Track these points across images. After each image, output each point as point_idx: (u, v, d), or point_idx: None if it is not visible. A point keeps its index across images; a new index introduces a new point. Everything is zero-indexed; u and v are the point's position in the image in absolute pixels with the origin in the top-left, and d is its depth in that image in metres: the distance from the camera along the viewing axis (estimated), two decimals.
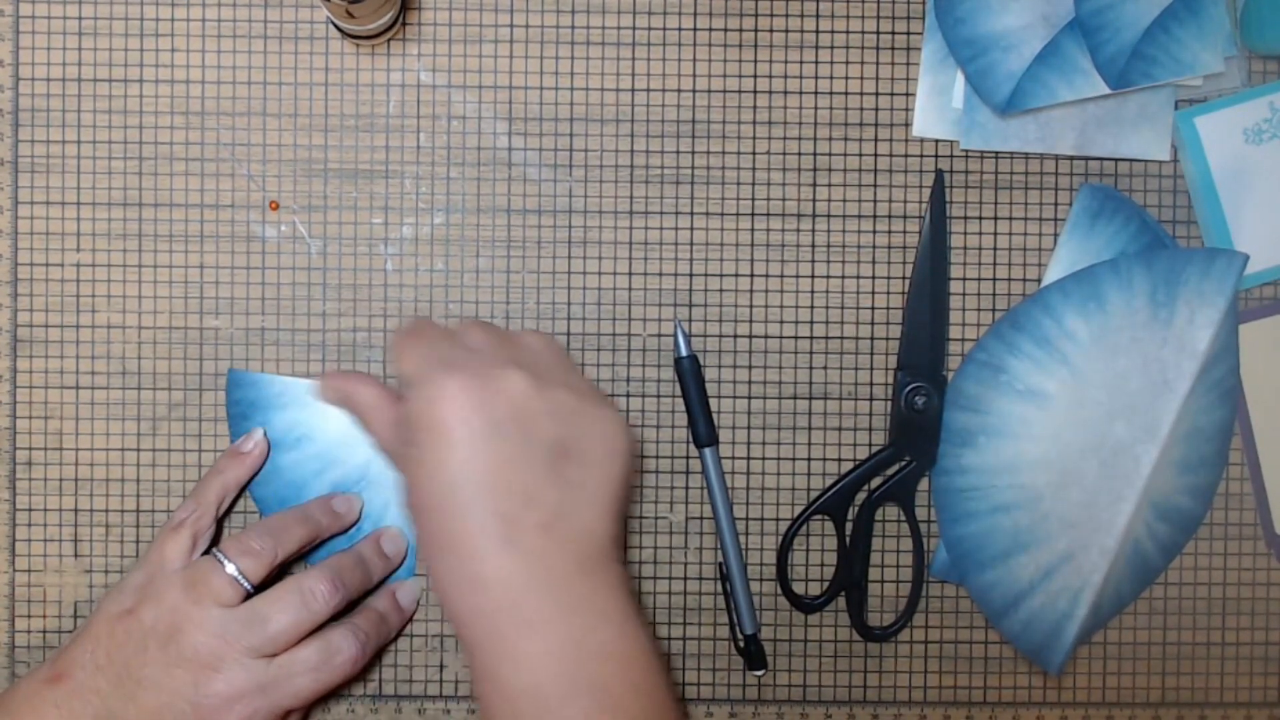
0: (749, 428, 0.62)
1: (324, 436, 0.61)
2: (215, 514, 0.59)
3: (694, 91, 0.62)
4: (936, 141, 0.62)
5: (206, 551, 0.57)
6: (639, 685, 0.50)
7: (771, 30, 0.62)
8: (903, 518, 0.63)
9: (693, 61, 0.62)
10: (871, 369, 0.63)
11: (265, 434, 0.61)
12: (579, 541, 0.51)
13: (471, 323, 0.56)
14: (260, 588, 0.56)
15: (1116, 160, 0.63)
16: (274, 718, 0.56)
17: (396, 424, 0.54)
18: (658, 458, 0.62)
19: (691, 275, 0.62)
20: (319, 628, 0.57)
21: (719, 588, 0.63)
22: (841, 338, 0.63)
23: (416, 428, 0.51)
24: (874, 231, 0.62)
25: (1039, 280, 0.63)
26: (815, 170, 0.62)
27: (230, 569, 0.56)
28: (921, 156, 0.62)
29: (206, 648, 0.54)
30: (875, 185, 0.62)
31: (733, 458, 0.62)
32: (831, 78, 0.62)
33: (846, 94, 0.62)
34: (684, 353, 0.61)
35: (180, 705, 0.54)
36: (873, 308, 0.62)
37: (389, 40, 0.61)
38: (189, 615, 0.55)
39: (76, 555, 0.62)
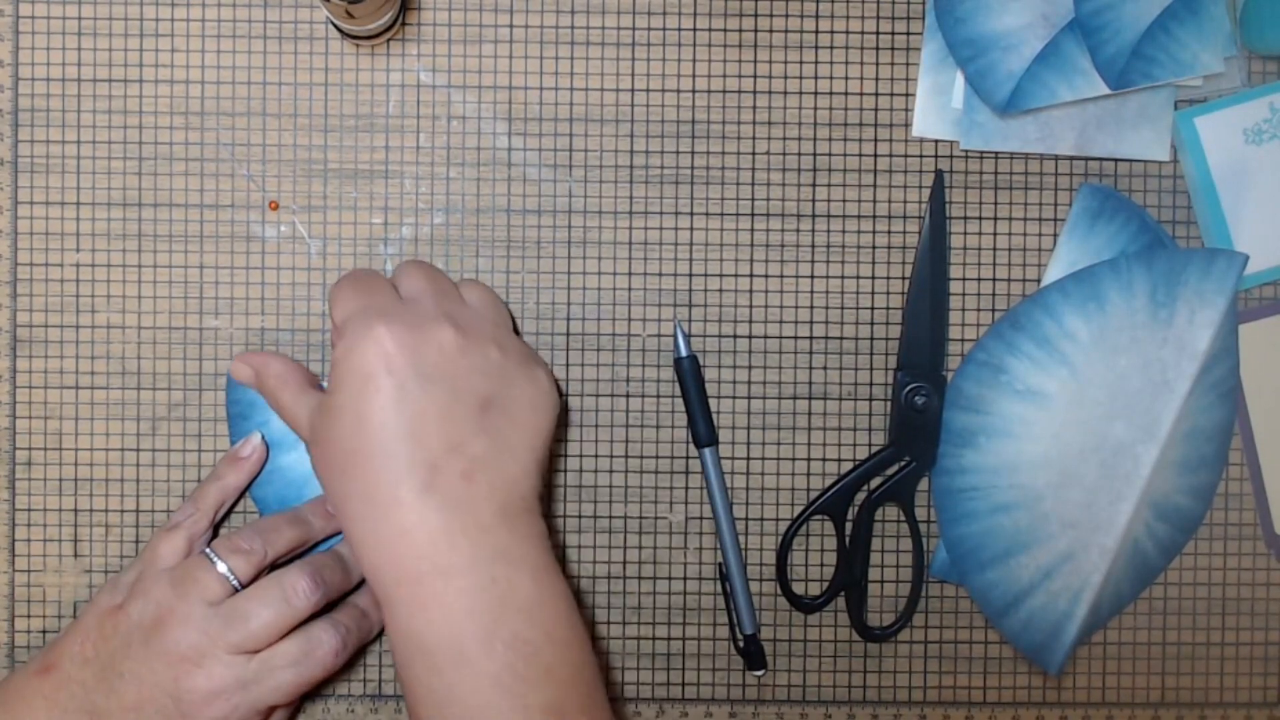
0: (749, 428, 0.62)
1: None
2: (212, 519, 0.59)
3: (694, 91, 0.62)
4: (936, 141, 0.62)
5: None
6: (556, 637, 0.51)
7: (771, 30, 0.62)
8: (903, 518, 0.63)
9: (693, 61, 0.62)
10: (871, 369, 0.63)
11: (263, 438, 0.60)
12: (501, 491, 0.52)
13: (412, 265, 0.57)
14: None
15: (1116, 160, 0.63)
16: (256, 713, 0.56)
17: (304, 392, 0.55)
18: (658, 458, 0.62)
19: (691, 275, 0.62)
20: (300, 624, 0.57)
21: (719, 588, 0.63)
22: (841, 338, 0.63)
23: (342, 374, 0.52)
24: (874, 231, 0.62)
25: (1039, 280, 0.63)
26: (815, 170, 0.62)
27: (221, 567, 0.56)
28: (921, 156, 0.62)
29: (188, 642, 0.54)
30: (875, 185, 0.62)
31: (732, 458, 0.62)
32: (831, 78, 0.62)
33: (846, 94, 0.62)
34: (684, 353, 0.61)
35: (161, 699, 0.54)
36: (873, 308, 0.62)
37: (389, 40, 0.61)
38: (174, 610, 0.55)
39: (76, 555, 0.62)
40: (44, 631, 0.62)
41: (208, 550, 0.56)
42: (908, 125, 0.62)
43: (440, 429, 0.51)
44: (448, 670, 0.50)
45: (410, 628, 0.51)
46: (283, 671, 0.55)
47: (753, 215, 0.62)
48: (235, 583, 0.56)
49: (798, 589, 0.63)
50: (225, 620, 0.55)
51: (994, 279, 0.63)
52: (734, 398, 0.62)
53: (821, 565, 0.63)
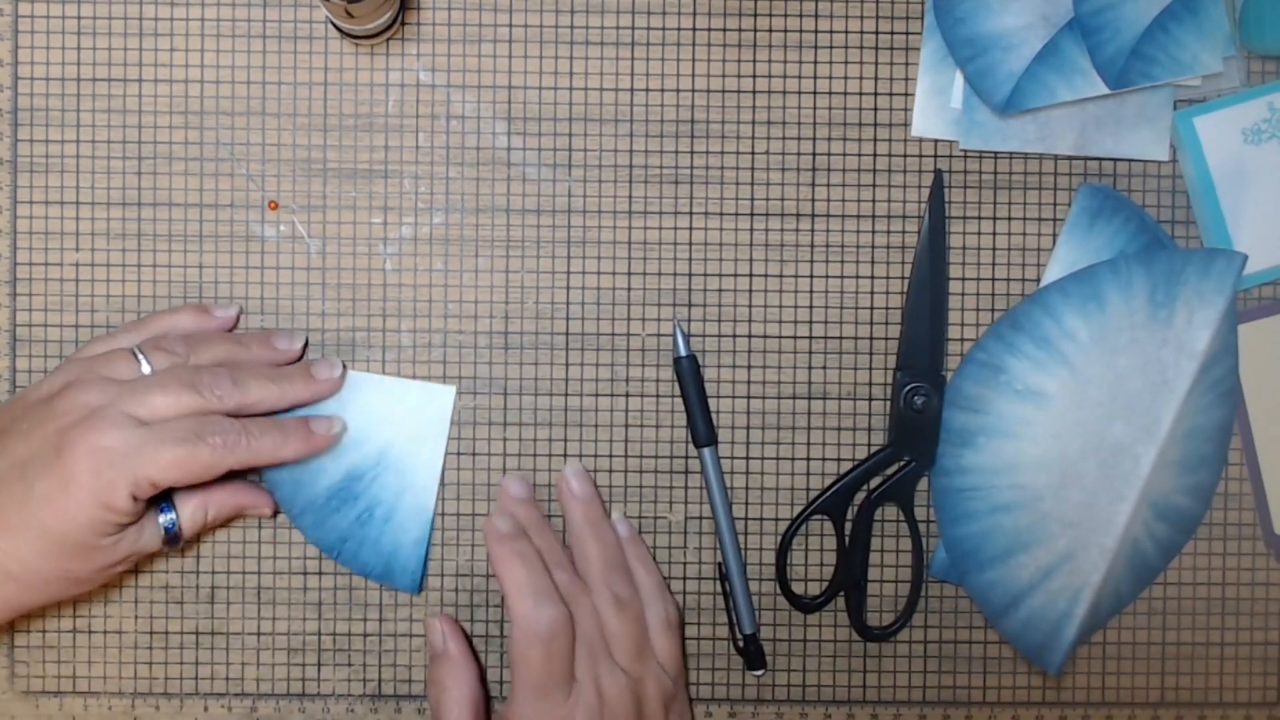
0: (748, 428, 0.62)
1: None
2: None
3: (694, 91, 0.62)
4: (935, 141, 0.62)
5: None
6: None
7: (771, 30, 0.62)
8: (902, 518, 0.63)
9: (692, 61, 0.62)
10: (871, 369, 0.63)
11: (341, 428, 0.60)
12: None
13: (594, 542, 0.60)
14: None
15: (1115, 160, 0.63)
16: (132, 486, 0.53)
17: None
18: (657, 458, 0.62)
19: (691, 275, 0.62)
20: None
21: (718, 588, 0.63)
22: (841, 338, 0.63)
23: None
24: (873, 231, 0.62)
25: (1038, 280, 0.63)
26: (815, 170, 0.62)
27: (144, 366, 0.55)
28: (920, 156, 0.62)
29: (83, 400, 0.54)
30: (874, 185, 0.62)
31: (732, 458, 0.62)
32: (831, 78, 0.62)
33: (846, 94, 0.62)
34: (683, 352, 0.61)
35: (45, 451, 0.53)
36: (872, 308, 0.63)
37: (388, 40, 0.61)
38: (80, 380, 0.55)
39: None
40: (44, 631, 0.62)
41: (135, 348, 0.56)
42: (907, 125, 0.62)
43: None
44: None
45: None
46: (168, 447, 0.53)
47: (752, 215, 0.62)
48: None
49: (797, 589, 0.63)
50: (125, 389, 0.54)
51: (994, 279, 0.63)
52: (734, 398, 0.62)
53: (821, 565, 0.63)
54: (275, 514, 0.61)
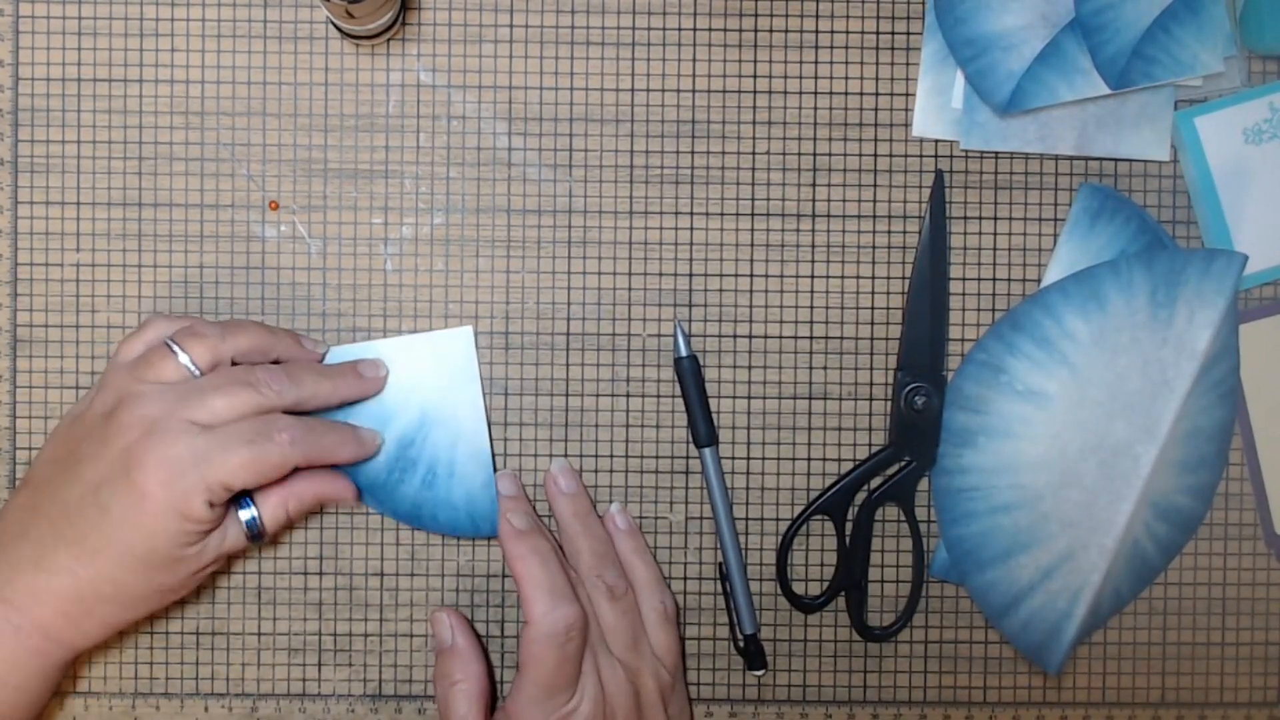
0: (749, 428, 0.62)
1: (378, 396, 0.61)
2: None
3: (694, 91, 0.62)
4: (936, 141, 0.62)
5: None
6: None
7: (771, 30, 0.62)
8: (903, 518, 0.63)
9: (693, 61, 0.62)
10: (871, 369, 0.63)
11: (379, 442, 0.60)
12: None
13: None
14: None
15: (1116, 160, 0.63)
16: (206, 494, 0.53)
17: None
18: (658, 458, 0.62)
19: (691, 275, 0.62)
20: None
21: (719, 588, 0.63)
22: (841, 338, 0.63)
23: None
24: (874, 231, 0.62)
25: (1039, 280, 0.63)
26: (815, 170, 0.62)
27: (183, 359, 0.55)
28: (921, 156, 0.62)
29: (142, 413, 0.53)
30: (875, 185, 0.62)
31: (732, 458, 0.62)
32: (831, 78, 0.62)
33: (846, 94, 0.62)
34: (684, 353, 0.61)
35: (115, 473, 0.53)
36: (873, 308, 0.62)
37: (389, 40, 0.61)
38: (132, 390, 0.54)
39: None
40: None
41: (169, 340, 0.56)
42: (908, 125, 0.62)
43: None
44: None
45: None
46: (235, 450, 0.53)
47: (753, 215, 0.62)
48: (195, 370, 0.55)
49: (798, 589, 0.63)
50: (182, 395, 0.54)
51: (994, 279, 0.63)
52: (734, 398, 0.62)
53: (821, 565, 0.63)
54: (359, 499, 0.60)
